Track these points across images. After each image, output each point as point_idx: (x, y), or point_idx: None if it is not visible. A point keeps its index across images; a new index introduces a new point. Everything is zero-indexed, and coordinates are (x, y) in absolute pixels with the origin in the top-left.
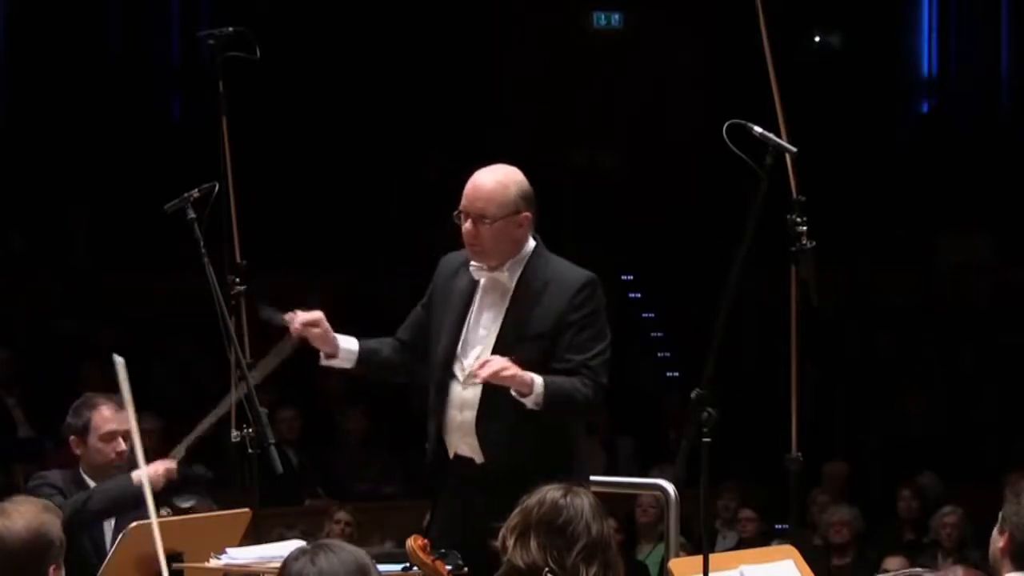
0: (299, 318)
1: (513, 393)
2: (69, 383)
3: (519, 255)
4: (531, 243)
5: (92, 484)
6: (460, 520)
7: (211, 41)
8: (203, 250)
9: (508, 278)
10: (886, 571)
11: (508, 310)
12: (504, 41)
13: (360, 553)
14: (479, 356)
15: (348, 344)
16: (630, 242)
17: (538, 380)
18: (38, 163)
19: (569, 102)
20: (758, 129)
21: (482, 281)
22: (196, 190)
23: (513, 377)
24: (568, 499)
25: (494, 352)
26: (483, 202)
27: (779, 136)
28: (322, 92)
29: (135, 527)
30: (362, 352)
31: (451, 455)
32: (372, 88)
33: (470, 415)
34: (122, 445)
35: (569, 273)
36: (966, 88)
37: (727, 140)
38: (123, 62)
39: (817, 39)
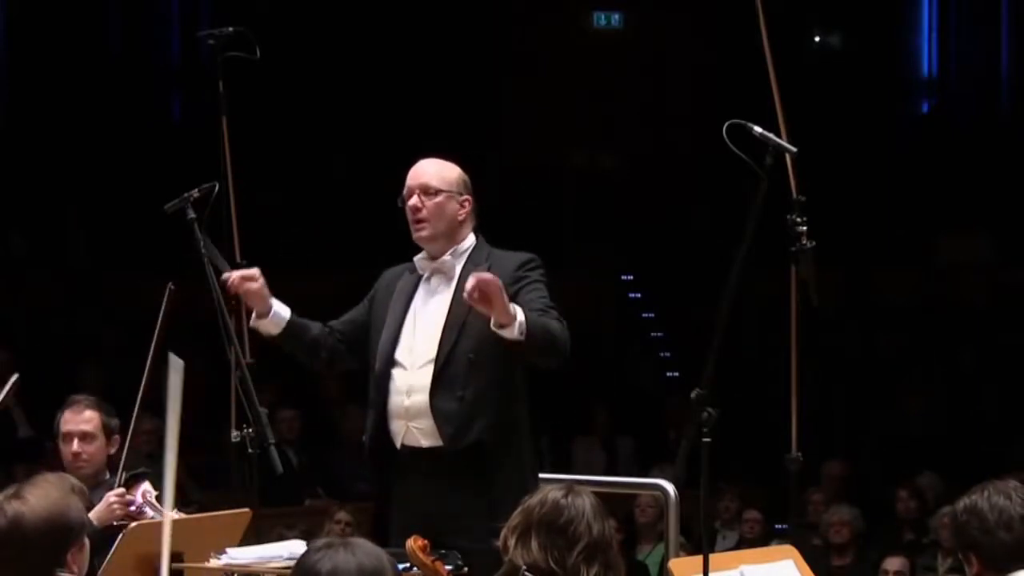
0: (236, 272)
1: (493, 327)
2: (69, 383)
3: (462, 246)
4: (473, 238)
5: None
6: (420, 517)
7: (211, 41)
8: (203, 250)
9: (451, 265)
10: (886, 571)
11: (455, 292)
12: (504, 41)
13: (381, 555)
14: (430, 338)
15: (281, 309)
16: (630, 242)
17: (518, 308)
18: (38, 163)
19: (569, 102)
20: (758, 129)
21: (426, 274)
22: (196, 190)
23: (499, 297)
24: (569, 499)
25: (445, 330)
26: (427, 176)
27: (779, 136)
28: (322, 92)
29: (135, 527)
30: (292, 323)
31: (398, 445)
32: (372, 88)
33: (419, 398)
34: (74, 446)
35: (511, 254)
36: (966, 88)
37: (727, 140)
38: (123, 62)
39: (817, 39)
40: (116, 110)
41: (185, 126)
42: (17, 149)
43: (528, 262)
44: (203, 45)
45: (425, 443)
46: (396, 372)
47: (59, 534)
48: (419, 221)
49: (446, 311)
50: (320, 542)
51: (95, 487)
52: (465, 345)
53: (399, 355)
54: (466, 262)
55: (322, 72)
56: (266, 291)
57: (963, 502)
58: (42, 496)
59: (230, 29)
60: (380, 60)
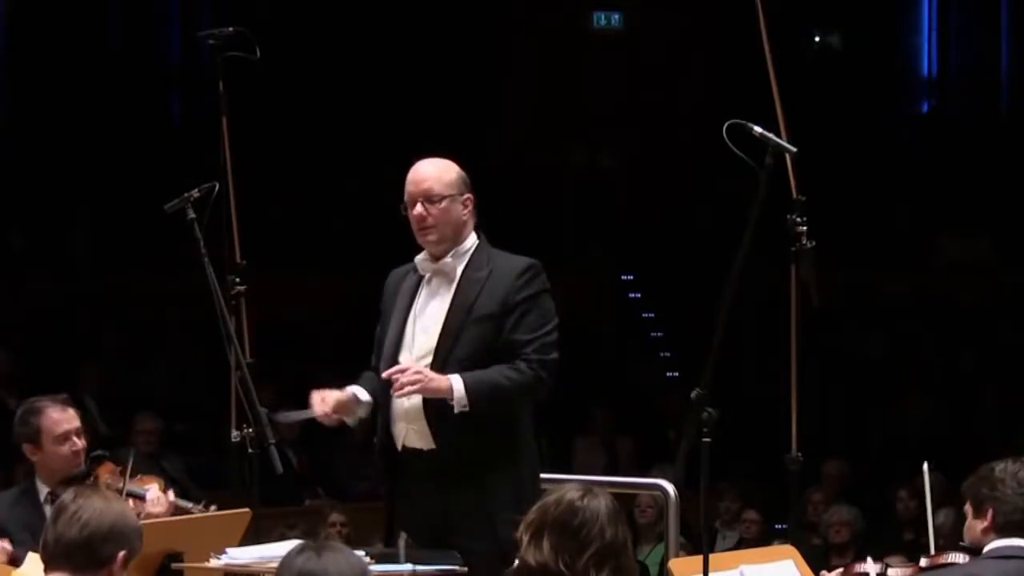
0: (327, 404)
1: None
2: (69, 383)
3: (463, 246)
4: (474, 237)
5: (45, 492)
6: (422, 517)
7: (211, 41)
8: (203, 250)
9: (452, 267)
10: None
11: (454, 296)
12: (504, 41)
13: (357, 555)
14: (426, 341)
15: (363, 396)
16: (630, 242)
17: (456, 384)
18: (38, 162)
19: (569, 102)
20: (758, 129)
21: (427, 275)
22: (196, 190)
23: (428, 386)
24: (585, 501)
25: (441, 336)
26: (429, 183)
27: (779, 136)
28: (322, 92)
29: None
30: (373, 396)
31: (399, 447)
32: (372, 88)
33: (416, 400)
34: (78, 444)
35: (512, 260)
36: (966, 88)
37: (727, 140)
38: (123, 62)
39: (817, 39)
40: (116, 110)
41: (185, 126)
42: (17, 149)
43: (527, 270)
44: (203, 45)
45: (423, 446)
46: None
47: (115, 538)
48: (425, 228)
49: (444, 315)
50: (296, 546)
51: (73, 480)
52: (461, 351)
53: (401, 357)
54: (467, 265)
55: (322, 72)
56: (351, 399)
57: (1008, 464)
58: (113, 499)
59: (230, 29)
60: (380, 60)
